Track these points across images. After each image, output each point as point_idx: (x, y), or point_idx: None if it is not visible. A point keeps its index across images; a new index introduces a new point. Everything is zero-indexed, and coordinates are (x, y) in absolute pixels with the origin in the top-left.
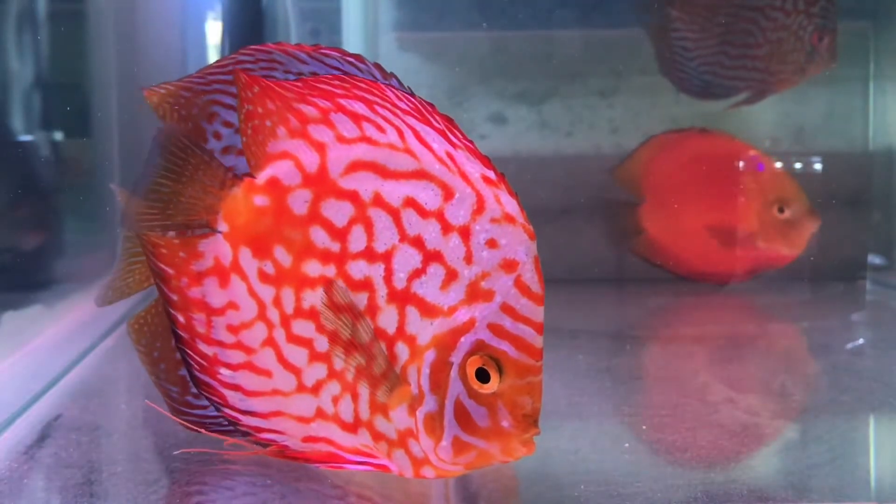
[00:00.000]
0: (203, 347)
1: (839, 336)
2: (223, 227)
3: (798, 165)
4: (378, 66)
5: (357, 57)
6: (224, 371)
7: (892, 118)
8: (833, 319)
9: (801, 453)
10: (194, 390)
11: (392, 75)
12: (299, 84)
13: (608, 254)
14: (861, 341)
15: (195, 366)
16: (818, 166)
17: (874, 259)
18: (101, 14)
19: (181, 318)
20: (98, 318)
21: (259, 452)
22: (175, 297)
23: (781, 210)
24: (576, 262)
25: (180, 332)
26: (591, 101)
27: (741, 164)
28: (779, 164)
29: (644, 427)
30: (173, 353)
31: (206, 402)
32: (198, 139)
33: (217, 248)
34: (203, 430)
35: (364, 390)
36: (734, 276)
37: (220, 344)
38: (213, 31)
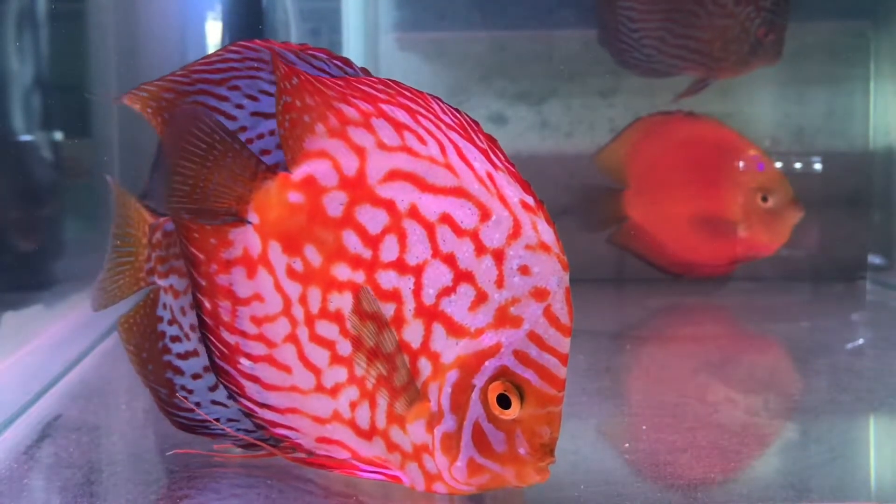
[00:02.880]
0: (226, 335)
1: (839, 336)
2: (254, 218)
3: (798, 165)
4: (365, 70)
5: (344, 60)
6: (244, 361)
7: (892, 118)
8: (833, 319)
9: (801, 453)
10: (182, 393)
11: None
12: (341, 83)
13: (608, 254)
14: (861, 341)
15: (216, 352)
16: (818, 166)
17: (874, 259)
18: (101, 14)
19: (207, 304)
20: (98, 319)
21: (274, 454)
22: (203, 283)
23: (765, 199)
24: (576, 262)
25: (205, 318)
26: (591, 101)
27: (728, 151)
28: (779, 164)
29: (644, 427)
30: (161, 356)
31: (193, 405)
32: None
33: (247, 239)
34: (191, 415)
35: (383, 400)
36: (717, 266)
37: (243, 334)
38: (213, 31)
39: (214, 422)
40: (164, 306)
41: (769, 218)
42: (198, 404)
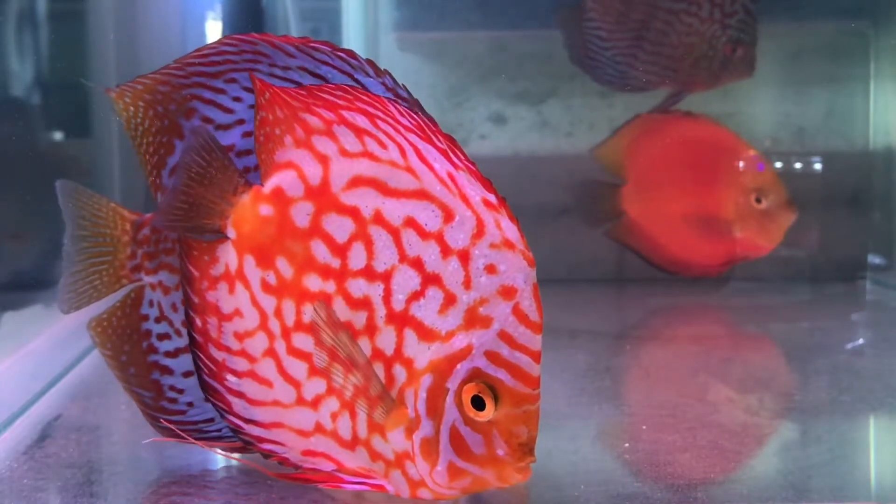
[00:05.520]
0: (214, 352)
1: (839, 336)
2: (231, 233)
3: (798, 165)
4: (371, 62)
5: (349, 52)
6: (230, 377)
7: (892, 118)
8: (833, 319)
9: (801, 453)
10: (169, 394)
11: (386, 72)
12: (304, 92)
13: (608, 254)
14: (861, 341)
15: (205, 370)
16: (818, 166)
17: (874, 259)
18: (101, 14)
19: (198, 321)
20: None
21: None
22: (196, 300)
23: (759, 200)
24: (576, 262)
25: (196, 336)
26: (591, 101)
27: (724, 151)
28: (779, 164)
29: (644, 427)
30: (144, 357)
31: (181, 408)
32: (174, 136)
33: (226, 255)
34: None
35: (362, 409)
36: (711, 266)
37: (228, 350)
38: (213, 31)
39: (188, 428)
40: (151, 303)
41: (763, 219)
42: (190, 404)
